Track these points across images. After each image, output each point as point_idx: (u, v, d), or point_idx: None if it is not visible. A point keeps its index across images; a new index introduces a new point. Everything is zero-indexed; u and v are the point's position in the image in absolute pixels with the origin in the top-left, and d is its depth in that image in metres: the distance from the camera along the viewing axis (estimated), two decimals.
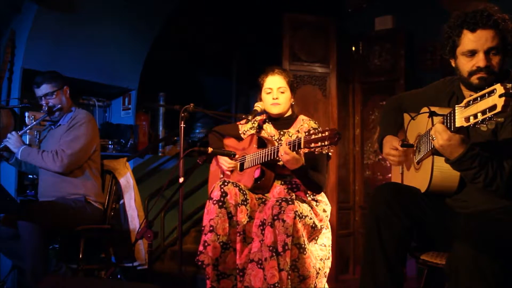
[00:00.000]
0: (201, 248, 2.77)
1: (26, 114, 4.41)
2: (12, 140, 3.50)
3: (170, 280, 4.21)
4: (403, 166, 2.53)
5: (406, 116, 2.54)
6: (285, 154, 2.75)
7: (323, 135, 2.56)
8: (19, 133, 3.55)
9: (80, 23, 4.79)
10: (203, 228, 2.81)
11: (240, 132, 3.30)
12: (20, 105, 4.26)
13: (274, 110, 3.10)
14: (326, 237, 2.94)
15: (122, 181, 3.84)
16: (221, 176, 3.24)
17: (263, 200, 2.97)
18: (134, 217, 3.79)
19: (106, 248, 3.80)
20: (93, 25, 4.89)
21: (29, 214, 3.17)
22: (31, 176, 4.38)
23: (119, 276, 3.83)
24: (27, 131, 3.89)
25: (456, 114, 1.88)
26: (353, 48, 5.26)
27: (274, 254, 2.60)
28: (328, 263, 2.90)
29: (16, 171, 4.30)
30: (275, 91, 3.08)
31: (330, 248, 2.94)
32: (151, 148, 5.82)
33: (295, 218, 2.65)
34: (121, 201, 3.84)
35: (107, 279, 3.54)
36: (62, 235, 3.66)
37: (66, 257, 3.61)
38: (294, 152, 2.74)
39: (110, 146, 5.12)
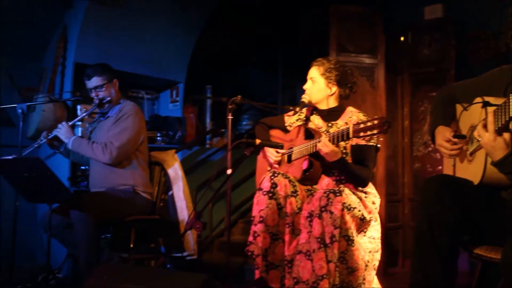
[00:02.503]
0: (250, 238, 2.79)
1: (78, 107, 4.51)
2: (62, 131, 3.58)
3: (218, 270, 4.25)
4: (455, 158, 2.47)
5: (459, 107, 2.47)
6: (324, 147, 2.77)
7: (372, 123, 2.53)
8: (69, 124, 3.64)
9: (128, 17, 4.87)
10: (252, 218, 2.82)
11: (286, 124, 3.30)
12: (73, 98, 4.37)
13: (303, 97, 3.12)
14: (375, 230, 2.91)
15: (170, 172, 3.89)
16: (269, 168, 3.24)
17: (311, 191, 2.96)
18: (183, 208, 3.84)
19: (155, 239, 3.86)
20: (141, 18, 4.96)
21: (81, 204, 3.25)
22: (83, 167, 4.49)
23: (168, 266, 3.89)
24: (77, 122, 3.98)
25: (510, 104, 1.82)
26: (402, 38, 5.15)
27: (322, 246, 2.59)
28: (377, 256, 2.86)
29: (69, 163, 4.42)
30: (308, 80, 3.11)
31: (379, 240, 2.91)
32: (199, 140, 5.88)
33: (343, 210, 2.63)
34: (170, 192, 3.89)
35: (157, 268, 3.60)
36: (113, 225, 3.74)
37: (117, 246, 3.68)
38: (334, 145, 2.77)
39: (158, 138, 5.19)
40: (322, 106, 3.14)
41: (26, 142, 3.85)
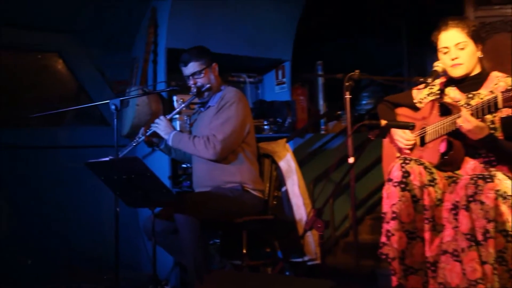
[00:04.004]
0: (383, 239, 2.75)
1: (174, 98, 4.62)
2: (161, 126, 3.69)
3: (345, 275, 4.21)
4: None
5: None
6: (466, 123, 2.68)
7: None
8: (168, 117, 3.74)
9: None
10: (383, 215, 2.78)
11: (415, 100, 3.24)
12: (168, 89, 4.48)
13: (457, 73, 2.98)
14: None
15: (282, 165, 3.91)
16: (398, 154, 3.18)
17: (454, 179, 2.87)
18: (300, 205, 3.84)
19: (270, 242, 3.89)
20: None
21: (185, 207, 3.34)
22: (184, 165, 4.62)
23: (287, 273, 3.91)
24: (176, 115, 4.09)
25: None
26: None
27: (473, 244, 2.50)
28: None
29: (169, 161, 4.56)
30: (452, 49, 2.95)
31: None
32: (312, 125, 5.87)
33: (496, 198, 2.52)
34: (283, 188, 3.92)
35: (275, 276, 3.63)
36: (222, 228, 3.81)
37: (228, 252, 3.76)
38: (479, 119, 2.67)
39: (266, 126, 5.22)
40: (463, 77, 3.01)
41: (122, 141, 4.02)
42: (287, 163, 3.91)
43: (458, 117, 2.74)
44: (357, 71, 3.07)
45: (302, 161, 5.00)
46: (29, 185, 4.69)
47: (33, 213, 4.66)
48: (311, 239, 3.78)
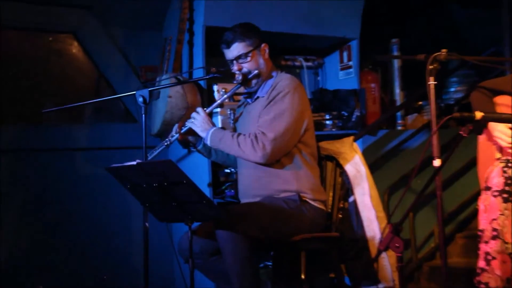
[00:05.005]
0: (481, 263, 2.73)
1: (215, 87, 4.64)
2: (198, 121, 3.68)
3: None
4: None
5: None
6: None
7: None
8: (206, 111, 3.73)
9: None
10: (480, 233, 2.77)
11: None
12: (207, 77, 4.45)
13: None
14: None
15: (349, 169, 3.88)
16: (499, 155, 3.12)
17: None
18: (372, 219, 3.81)
19: (335, 265, 3.87)
20: None
21: (229, 221, 3.33)
22: (228, 170, 4.62)
23: None
24: (216, 108, 4.09)
25: None
26: None
27: None
28: None
29: (209, 165, 4.57)
30: None
31: None
32: (386, 120, 5.82)
33: None
34: (351, 198, 3.89)
35: None
36: (275, 248, 3.80)
37: (283, 278, 3.74)
38: None
39: (327, 122, 5.23)
40: None
41: (151, 141, 4.03)
42: (355, 167, 3.88)
43: None
44: (443, 50, 3.01)
45: (374, 165, 4.99)
46: (40, 194, 4.78)
47: (47, 227, 4.75)
48: (387, 262, 3.75)
